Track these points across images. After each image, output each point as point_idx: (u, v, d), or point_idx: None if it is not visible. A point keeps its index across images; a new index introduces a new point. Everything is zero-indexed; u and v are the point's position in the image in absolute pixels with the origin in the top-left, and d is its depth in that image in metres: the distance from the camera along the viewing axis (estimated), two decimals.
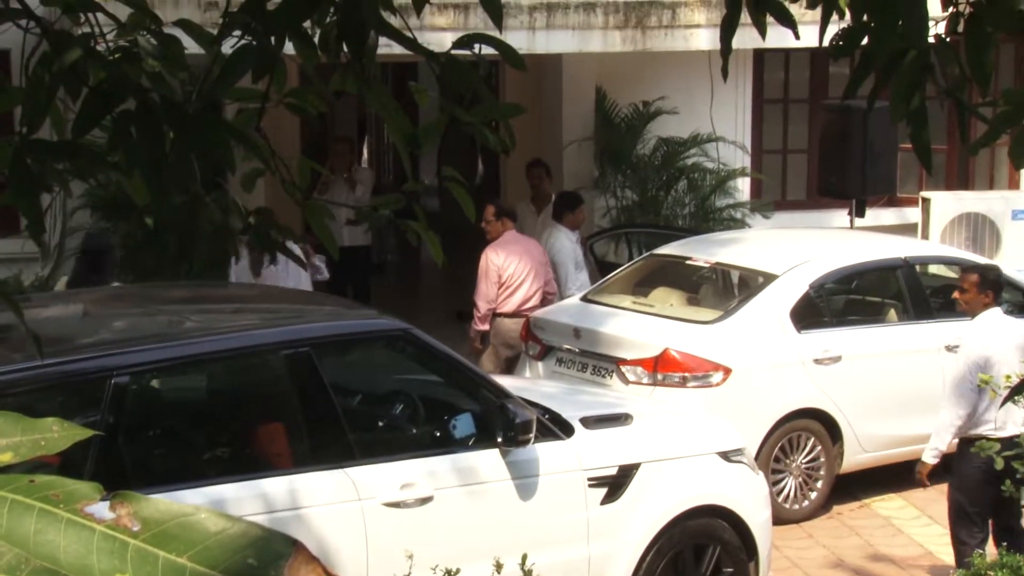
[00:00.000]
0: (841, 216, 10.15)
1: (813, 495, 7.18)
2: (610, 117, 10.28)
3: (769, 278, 7.20)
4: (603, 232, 9.80)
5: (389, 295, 11.45)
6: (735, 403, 6.69)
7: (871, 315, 7.65)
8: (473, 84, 2.44)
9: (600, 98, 10.30)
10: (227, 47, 2.32)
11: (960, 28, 2.34)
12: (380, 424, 5.06)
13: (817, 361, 7.06)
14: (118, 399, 4.12)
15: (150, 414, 4.52)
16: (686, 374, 6.67)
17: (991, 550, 5.45)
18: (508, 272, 7.86)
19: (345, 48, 2.38)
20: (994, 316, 5.78)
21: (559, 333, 7.33)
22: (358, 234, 9.71)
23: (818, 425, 7.14)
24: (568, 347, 7.23)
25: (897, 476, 7.39)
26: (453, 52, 2.42)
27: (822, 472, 7.17)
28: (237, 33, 2.29)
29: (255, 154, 2.41)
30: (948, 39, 2.40)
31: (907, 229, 10.38)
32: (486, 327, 7.94)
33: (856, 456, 7.26)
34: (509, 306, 7.89)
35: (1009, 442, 5.46)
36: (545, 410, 5.07)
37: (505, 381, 5.36)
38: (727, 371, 6.71)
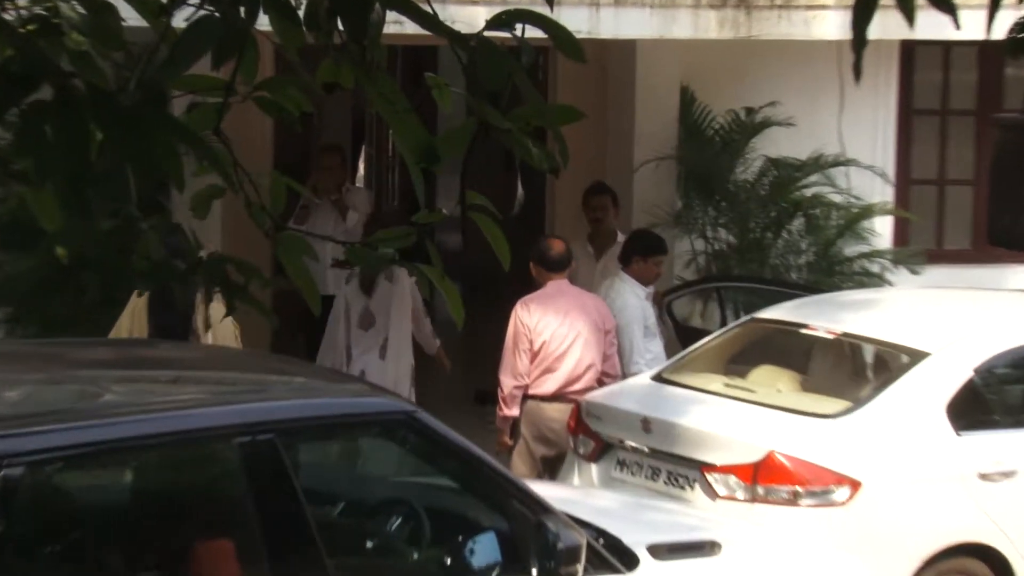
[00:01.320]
0: (1019, 273, 10.08)
1: None
2: (699, 128, 10.25)
3: (917, 357, 7.14)
4: (686, 287, 9.74)
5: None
6: (866, 531, 6.59)
7: None
8: (513, 78, 2.51)
9: (687, 102, 10.30)
10: (180, 20, 2.36)
11: None
12: (369, 544, 5.02)
13: (983, 476, 6.96)
14: (7, 498, 4.09)
15: (51, 520, 4.49)
16: (798, 488, 6.61)
17: None
18: (544, 336, 7.82)
19: (340, 26, 2.43)
20: None
21: (622, 425, 7.28)
22: None
23: (984, 568, 7.02)
24: (634, 445, 7.19)
25: None
26: (487, 34, 2.45)
27: None
28: (194, 1, 2.35)
29: (212, 166, 2.47)
30: None
31: None
32: (514, 412, 7.90)
33: None
34: (547, 385, 7.86)
35: None
36: (599, 532, 5.03)
37: (543, 490, 5.33)
38: (855, 485, 6.63)
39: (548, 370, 7.84)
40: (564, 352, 7.83)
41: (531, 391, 7.87)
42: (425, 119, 2.75)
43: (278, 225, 2.74)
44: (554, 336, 7.82)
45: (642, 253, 8.40)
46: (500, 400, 7.96)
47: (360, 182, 16.67)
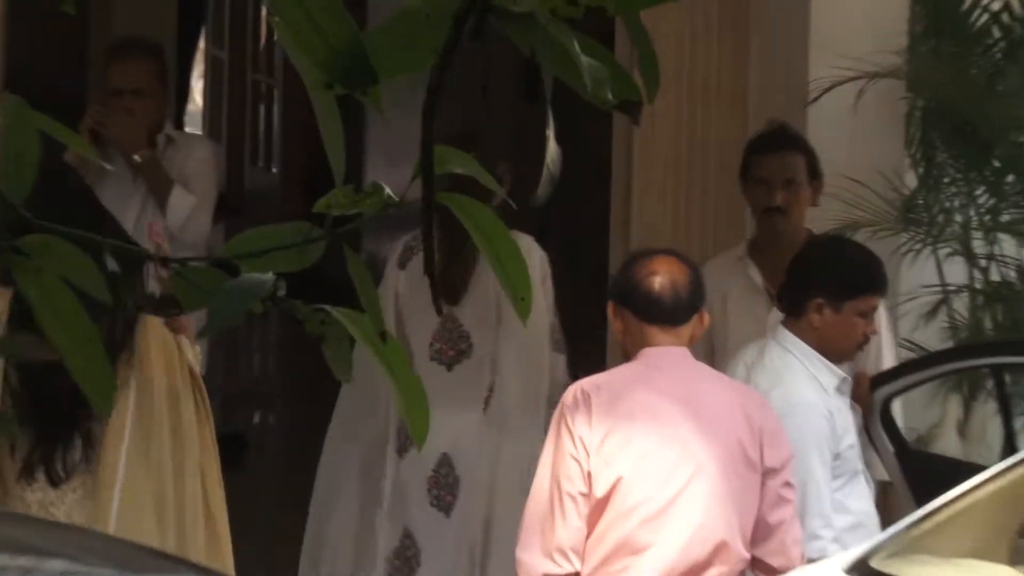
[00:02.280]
0: None
1: None
2: (955, 16, 6.27)
3: None
4: (926, 367, 5.79)
5: (278, 520, 6.95)
6: None
7: None
8: None
9: None
10: None
11: None
12: None
13: None
14: None
15: None
16: None
17: None
18: (620, 470, 4.33)
19: None
20: None
21: None
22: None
23: None
24: None
25: None
26: None
27: None
28: None
29: None
30: None
31: None
32: None
33: None
34: None
35: None
36: None
37: None
38: None
39: (628, 546, 4.39)
40: (666, 508, 4.41)
41: None
42: None
43: (23, 220, 1.94)
44: (644, 472, 4.40)
45: (831, 292, 5.01)
46: None
47: (196, 125, 12.94)
